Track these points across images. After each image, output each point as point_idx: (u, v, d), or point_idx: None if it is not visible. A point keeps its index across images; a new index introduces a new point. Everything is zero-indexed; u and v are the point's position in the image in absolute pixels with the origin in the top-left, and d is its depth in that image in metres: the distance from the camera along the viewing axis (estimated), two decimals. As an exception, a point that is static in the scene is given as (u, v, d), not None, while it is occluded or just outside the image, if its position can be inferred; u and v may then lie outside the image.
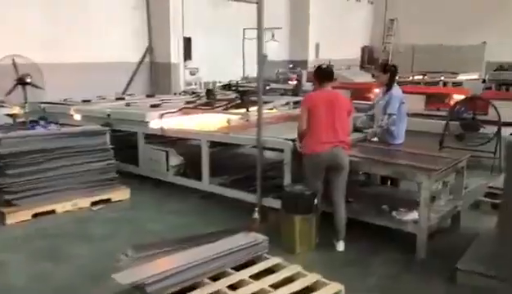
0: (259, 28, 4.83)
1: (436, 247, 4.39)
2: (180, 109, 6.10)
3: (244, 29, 12.89)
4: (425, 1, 19.59)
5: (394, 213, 4.33)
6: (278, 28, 12.50)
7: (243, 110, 5.83)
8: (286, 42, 17.09)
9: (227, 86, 11.54)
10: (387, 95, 5.21)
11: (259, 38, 4.92)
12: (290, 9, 16.92)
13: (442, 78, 15.88)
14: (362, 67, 21.17)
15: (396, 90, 5.22)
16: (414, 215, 4.18)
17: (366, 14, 21.10)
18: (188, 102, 6.91)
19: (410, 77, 16.68)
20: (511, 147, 3.44)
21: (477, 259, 3.79)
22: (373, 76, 5.14)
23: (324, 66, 4.61)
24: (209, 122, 5.73)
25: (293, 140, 4.65)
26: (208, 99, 6.95)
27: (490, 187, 5.53)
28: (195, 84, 12.03)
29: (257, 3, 4.82)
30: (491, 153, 6.88)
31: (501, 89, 15.34)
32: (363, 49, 21.29)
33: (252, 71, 13.27)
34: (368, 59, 21.22)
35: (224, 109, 6.07)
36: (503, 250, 3.50)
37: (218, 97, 7.14)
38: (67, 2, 9.88)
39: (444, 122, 7.50)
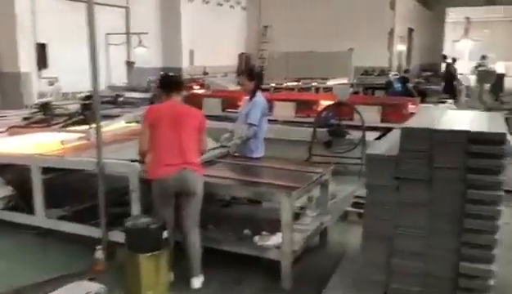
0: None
1: (304, 270, 4.03)
2: (7, 129, 5.07)
3: (106, 34, 11.86)
4: (296, 8, 20.09)
5: (256, 238, 3.86)
6: (144, 33, 11.66)
7: (86, 127, 5.00)
8: (159, 49, 16.30)
9: (89, 97, 10.45)
10: (250, 104, 4.78)
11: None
12: (161, 14, 16.15)
13: (314, 84, 16.30)
14: (240, 74, 21.14)
15: (259, 98, 4.80)
16: (277, 238, 3.75)
17: (240, 20, 21.07)
18: (25, 118, 5.86)
19: (285, 84, 16.93)
20: (372, 160, 3.13)
21: (343, 284, 3.46)
22: (239, 83, 4.73)
23: (171, 74, 3.99)
24: (43, 143, 4.77)
25: (141, 162, 3.97)
26: (45, 114, 5.96)
27: (356, 196, 5.37)
28: (51, 95, 10.72)
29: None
30: (358, 159, 6.87)
31: (368, 92, 16.24)
32: (240, 56, 21.23)
33: (119, 79, 12.28)
34: (245, 66, 21.19)
35: (62, 126, 5.17)
36: (367, 271, 3.18)
37: (59, 111, 6.16)
38: None
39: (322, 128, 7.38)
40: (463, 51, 24.33)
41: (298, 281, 3.81)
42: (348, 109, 7.66)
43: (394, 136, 3.24)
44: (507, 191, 3.03)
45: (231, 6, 20.12)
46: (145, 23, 15.18)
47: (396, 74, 16.19)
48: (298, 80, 17.08)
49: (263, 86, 16.21)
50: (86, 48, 4.08)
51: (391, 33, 18.97)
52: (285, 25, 20.44)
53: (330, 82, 16.57)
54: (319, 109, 8.02)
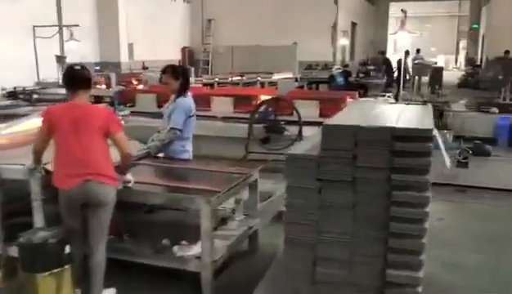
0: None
1: (230, 279, 3.74)
2: None
3: (34, 27, 11.07)
4: (241, 1, 19.76)
5: (176, 248, 3.52)
6: (75, 25, 10.96)
7: (-12, 128, 4.46)
8: (95, 43, 15.54)
9: (13, 94, 9.70)
10: (173, 105, 4.40)
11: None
12: (98, 6, 15.39)
13: (259, 79, 16.04)
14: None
15: (183, 100, 4.39)
16: (198, 248, 3.43)
17: (183, 14, 20.51)
18: None
19: (230, 79, 16.59)
20: (291, 160, 2.86)
21: (267, 293, 3.19)
22: (160, 81, 4.28)
23: (77, 67, 3.47)
24: None
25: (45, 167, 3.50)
26: None
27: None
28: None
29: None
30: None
31: (312, 87, 16.19)
32: (183, 50, 20.70)
33: (49, 74, 11.51)
34: (189, 60, 20.69)
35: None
36: (289, 280, 2.92)
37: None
38: None
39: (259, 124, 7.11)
40: (406, 45, 24.91)
41: (222, 292, 3.51)
42: (287, 105, 7.45)
43: (319, 134, 2.98)
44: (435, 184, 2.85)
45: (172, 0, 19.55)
46: (79, 15, 14.42)
47: (339, 68, 16.25)
48: (242, 75, 16.77)
49: (208, 81, 15.96)
50: (8, 41, 3.55)
51: (334, 27, 19.04)
52: (229, 19, 20.11)
53: (275, 77, 16.36)
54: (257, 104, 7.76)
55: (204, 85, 16.18)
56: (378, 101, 8.20)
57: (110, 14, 15.30)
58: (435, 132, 2.64)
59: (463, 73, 21.77)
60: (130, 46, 16.10)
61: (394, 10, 31.89)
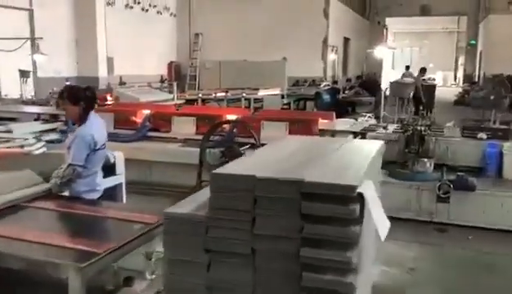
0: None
1: None
2: None
3: (-5, 40, 10.36)
4: (229, 16, 19.11)
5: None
6: (39, 38, 10.26)
7: None
8: (72, 57, 14.84)
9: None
10: (73, 136, 3.59)
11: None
12: (75, 19, 14.70)
13: (244, 95, 15.33)
14: (170, 84, 19.90)
15: (84, 130, 3.52)
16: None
17: (169, 27, 19.85)
18: None
19: (214, 95, 15.88)
20: (171, 222, 2.06)
21: None
22: (57, 106, 3.58)
23: None
24: None
25: None
26: None
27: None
28: None
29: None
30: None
31: (299, 104, 15.46)
32: (170, 65, 19.99)
33: (13, 90, 10.77)
34: (176, 75, 19.98)
35: None
36: None
37: None
38: None
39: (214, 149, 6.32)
40: (405, 61, 24.16)
41: None
42: (243, 127, 6.67)
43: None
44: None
45: (159, 12, 18.90)
46: (55, 28, 13.76)
47: (327, 85, 15.51)
48: (226, 90, 16.06)
49: (191, 97, 15.23)
50: None
51: (325, 42, 18.36)
52: (217, 33, 19.44)
53: (261, 93, 15.66)
54: (223, 125, 6.98)
55: (188, 101, 15.50)
56: (356, 123, 7.46)
57: (88, 27, 14.61)
58: (367, 189, 1.84)
59: (460, 90, 21.03)
60: (110, 60, 15.37)
61: (392, 26, 31.43)
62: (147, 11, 18.13)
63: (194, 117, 7.15)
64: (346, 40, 22.34)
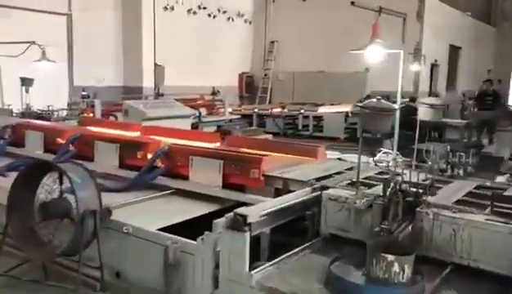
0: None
1: None
2: None
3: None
4: (306, 22, 16.85)
5: None
6: (31, 42, 9.16)
7: None
8: (119, 64, 13.90)
9: None
10: None
11: None
12: (122, 24, 13.75)
13: (302, 111, 13.01)
14: (241, 97, 18.22)
15: None
16: None
17: (242, 35, 18.16)
18: None
19: (270, 110, 13.80)
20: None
21: None
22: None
23: None
24: None
25: None
26: None
27: None
28: None
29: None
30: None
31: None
32: (241, 76, 18.31)
33: (17, 100, 9.84)
34: (246, 87, 18.26)
35: None
36: None
37: None
38: None
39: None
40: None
41: None
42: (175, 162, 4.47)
43: None
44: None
45: (229, 19, 17.32)
46: (97, 34, 12.91)
47: (403, 102, 12.37)
48: (283, 106, 13.85)
49: (246, 112, 13.24)
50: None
51: (416, 50, 15.06)
52: (293, 41, 17.31)
53: (322, 110, 13.16)
54: (148, 156, 4.89)
55: (243, 116, 13.60)
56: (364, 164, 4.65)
57: (134, 33, 13.54)
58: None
59: None
60: (161, 69, 14.12)
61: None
62: (215, 17, 16.68)
63: (116, 144, 5.13)
64: (454, 49, 18.54)
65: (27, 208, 3.18)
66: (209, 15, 16.41)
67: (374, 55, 5.95)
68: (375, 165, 3.84)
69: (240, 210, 2.92)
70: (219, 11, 16.72)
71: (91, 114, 10.38)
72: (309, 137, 12.68)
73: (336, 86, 15.92)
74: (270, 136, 12.21)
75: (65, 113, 10.01)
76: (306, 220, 3.57)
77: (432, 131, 11.76)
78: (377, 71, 14.94)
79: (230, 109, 13.49)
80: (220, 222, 2.98)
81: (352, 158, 5.09)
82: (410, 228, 3.08)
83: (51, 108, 9.33)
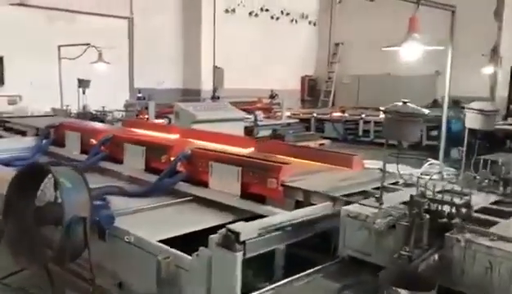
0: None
1: None
2: None
3: (59, 47, 9.88)
4: (373, 22, 16.05)
5: None
6: (84, 44, 9.38)
7: None
8: (180, 67, 14.03)
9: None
10: None
11: None
12: (183, 27, 13.86)
13: (363, 116, 12.38)
14: (303, 100, 17.77)
15: None
16: None
17: (306, 37, 17.71)
18: None
19: (329, 114, 13.28)
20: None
21: None
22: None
23: None
24: None
25: None
26: None
27: None
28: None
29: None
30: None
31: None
32: (303, 79, 17.86)
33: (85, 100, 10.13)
34: (309, 91, 17.78)
35: None
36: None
37: None
38: None
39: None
40: None
41: None
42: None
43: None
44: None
45: (293, 20, 16.95)
46: (159, 37, 13.11)
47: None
48: (343, 110, 13.26)
49: (304, 117, 12.87)
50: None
51: (494, 51, 13.80)
52: (358, 43, 16.57)
53: (383, 115, 12.37)
54: (171, 159, 4.68)
55: (301, 120, 13.21)
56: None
57: (193, 36, 13.59)
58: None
59: None
60: (220, 72, 14.06)
61: None
62: (278, 18, 16.40)
63: (143, 147, 4.97)
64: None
65: (24, 213, 3.05)
66: (272, 18, 16.17)
67: (410, 52, 5.29)
68: (400, 177, 3.33)
69: (234, 225, 2.58)
70: (282, 12, 16.43)
71: (146, 116, 10.52)
72: (370, 143, 12.01)
73: (403, 89, 14.98)
74: (327, 142, 11.72)
75: (120, 114, 10.18)
76: (323, 239, 3.17)
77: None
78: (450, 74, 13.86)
79: (288, 113, 13.14)
80: (214, 238, 2.66)
81: (402, 169, 4.53)
82: (436, 256, 2.58)
83: (106, 109, 9.54)
